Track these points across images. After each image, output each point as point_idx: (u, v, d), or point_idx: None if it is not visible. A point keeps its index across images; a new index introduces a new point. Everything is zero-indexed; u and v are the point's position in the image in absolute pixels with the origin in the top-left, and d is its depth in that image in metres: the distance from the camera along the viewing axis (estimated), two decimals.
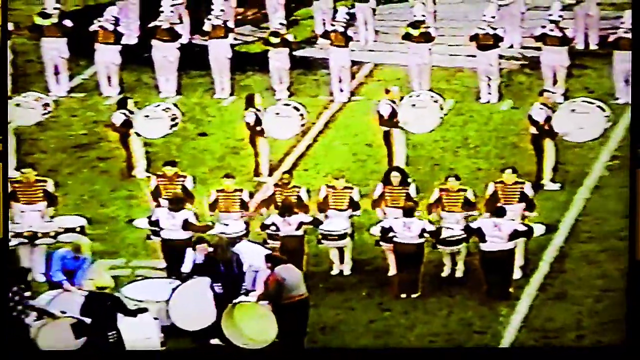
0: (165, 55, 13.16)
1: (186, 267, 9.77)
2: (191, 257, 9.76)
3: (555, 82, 12.97)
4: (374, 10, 14.13)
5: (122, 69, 13.25)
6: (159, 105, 12.06)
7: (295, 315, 9.28)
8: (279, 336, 9.22)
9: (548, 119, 11.51)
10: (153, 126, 11.81)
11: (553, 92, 12.14)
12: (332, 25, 13.17)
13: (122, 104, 12.01)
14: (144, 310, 9.24)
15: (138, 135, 11.86)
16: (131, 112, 11.89)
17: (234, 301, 9.41)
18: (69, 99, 13.22)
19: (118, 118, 11.90)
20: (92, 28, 13.14)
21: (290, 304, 9.27)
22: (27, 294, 9.37)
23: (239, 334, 9.42)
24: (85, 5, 14.21)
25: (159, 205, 10.55)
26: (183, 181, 10.73)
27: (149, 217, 10.51)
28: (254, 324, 9.39)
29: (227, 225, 10.45)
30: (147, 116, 11.83)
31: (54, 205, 10.56)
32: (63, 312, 9.24)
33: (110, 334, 9.02)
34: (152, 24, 13.25)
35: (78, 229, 10.39)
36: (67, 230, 10.28)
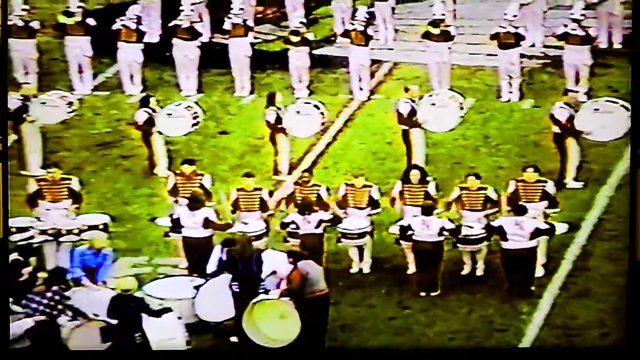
0: (185, 53, 13.21)
1: (211, 266, 9.76)
2: (217, 256, 9.76)
3: (577, 80, 12.84)
4: (393, 9, 14.06)
5: (144, 67, 13.30)
6: (180, 104, 12.13)
7: (316, 311, 9.26)
8: (300, 332, 9.18)
9: (571, 118, 11.40)
10: (175, 124, 11.86)
11: (576, 92, 12.02)
12: (352, 24, 13.15)
13: (144, 102, 12.06)
14: (168, 310, 9.27)
15: (160, 133, 11.92)
16: (154, 111, 11.95)
17: (254, 300, 9.40)
18: (93, 97, 13.30)
19: (141, 116, 11.96)
20: (115, 26, 13.23)
21: (312, 299, 9.26)
22: (67, 293, 9.44)
23: (258, 333, 9.40)
24: (108, 3, 14.28)
25: (177, 203, 10.59)
26: (201, 179, 10.74)
27: (171, 215, 10.55)
28: (274, 323, 9.36)
29: (246, 224, 10.47)
30: (169, 114, 11.89)
31: (78, 203, 10.63)
32: (96, 315, 9.30)
33: (136, 335, 9.05)
34: (172, 23, 13.31)
35: (102, 227, 10.44)
36: (91, 227, 10.33)
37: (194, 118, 11.98)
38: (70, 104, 12.32)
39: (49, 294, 9.34)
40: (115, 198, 11.52)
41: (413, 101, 11.80)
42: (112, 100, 13.28)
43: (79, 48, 13.28)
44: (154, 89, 13.18)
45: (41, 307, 9.32)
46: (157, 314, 9.24)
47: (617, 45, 13.76)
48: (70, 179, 10.65)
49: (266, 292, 9.45)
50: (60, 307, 9.33)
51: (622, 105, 11.42)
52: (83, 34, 13.24)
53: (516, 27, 12.91)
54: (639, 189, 8.95)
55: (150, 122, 11.94)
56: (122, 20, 13.23)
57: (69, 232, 10.33)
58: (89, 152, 12.37)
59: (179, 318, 9.28)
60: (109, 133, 12.67)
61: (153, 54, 13.46)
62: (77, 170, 11.67)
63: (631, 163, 9.04)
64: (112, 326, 9.10)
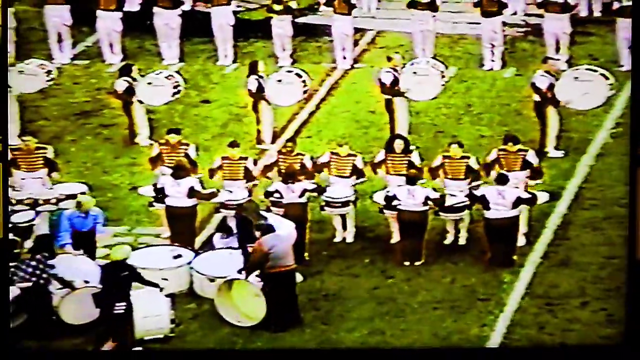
0: (167, 22, 13.06)
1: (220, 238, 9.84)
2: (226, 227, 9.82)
3: (558, 49, 12.89)
4: None
5: (124, 36, 13.15)
6: (161, 73, 12.01)
7: (279, 286, 9.24)
8: (268, 307, 9.22)
9: (551, 87, 11.46)
10: (156, 93, 11.76)
11: (556, 60, 12.07)
12: None
13: (125, 71, 11.93)
14: (158, 286, 9.24)
15: (141, 102, 11.81)
16: (134, 80, 11.83)
17: (228, 278, 9.43)
18: (72, 66, 13.13)
19: (121, 85, 11.84)
20: None
21: (274, 273, 9.25)
22: (51, 262, 9.40)
23: (235, 310, 9.47)
24: None
25: (161, 172, 10.55)
26: (186, 149, 10.70)
27: (154, 185, 10.52)
28: (249, 301, 9.44)
29: (231, 192, 10.48)
30: (149, 83, 11.78)
31: (54, 171, 10.55)
32: (86, 282, 9.28)
33: (119, 304, 9.03)
34: None
35: (79, 194, 10.32)
36: (69, 197, 10.26)
37: (175, 87, 11.88)
38: (49, 72, 12.14)
39: (33, 262, 9.28)
40: (96, 167, 11.43)
41: (395, 70, 11.78)
42: (91, 69, 13.11)
43: (58, 17, 13.08)
44: (134, 57, 13.03)
45: (27, 276, 9.25)
46: (151, 283, 9.20)
47: (597, 14, 13.80)
48: (45, 148, 10.55)
49: (241, 271, 9.44)
50: (45, 275, 9.27)
51: (602, 74, 11.50)
52: (63, 3, 13.03)
53: None
54: (639, 188, 8.90)
55: (130, 91, 11.81)
56: None
57: (46, 201, 10.27)
58: (68, 121, 12.24)
59: (166, 295, 9.22)
60: (88, 102, 12.54)
61: (133, 22, 13.25)
62: (56, 140, 11.57)
63: (631, 163, 9.06)
64: (102, 293, 9.02)
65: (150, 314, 9.17)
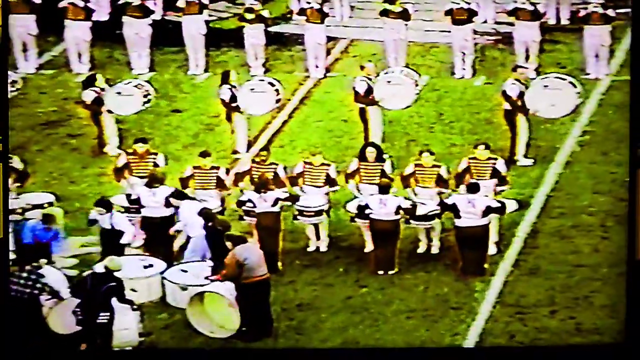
0: (137, 31, 13.04)
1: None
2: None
3: (527, 57, 13.07)
4: None
5: (93, 45, 13.11)
6: (130, 82, 11.98)
7: (255, 296, 9.30)
8: (242, 317, 9.26)
9: (521, 95, 11.61)
10: (125, 103, 11.73)
11: (526, 68, 12.25)
12: (308, 1, 13.07)
13: (90, 81, 11.91)
14: (132, 302, 9.27)
15: (110, 112, 11.79)
16: (102, 89, 11.80)
17: (200, 290, 9.46)
18: (38, 76, 13.06)
19: (89, 95, 11.81)
20: (62, 4, 12.96)
21: (250, 284, 9.29)
22: (41, 271, 9.40)
23: (209, 321, 9.50)
24: None
25: (127, 183, 10.56)
26: (154, 159, 10.71)
27: (128, 195, 10.51)
28: (222, 312, 9.47)
29: (205, 201, 10.47)
30: (118, 93, 11.76)
31: (21, 182, 10.48)
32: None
33: (103, 314, 9.04)
34: (122, 0, 13.08)
35: (46, 206, 10.36)
36: (35, 206, 10.23)
37: (145, 96, 11.86)
38: (14, 83, 12.07)
39: (24, 274, 9.26)
40: (63, 177, 11.38)
41: (369, 79, 11.87)
42: (58, 78, 13.04)
43: (23, 27, 13.01)
44: (103, 67, 13.00)
45: (20, 288, 9.22)
46: (127, 301, 9.22)
47: (564, 22, 14.04)
48: (11, 158, 10.40)
49: (211, 281, 9.46)
50: (38, 285, 9.26)
51: (570, 82, 11.68)
52: (28, 12, 12.95)
53: (469, 3, 13.07)
54: (639, 188, 9.02)
55: (98, 101, 11.78)
56: None
57: (12, 211, 10.11)
58: (33, 131, 12.15)
59: (135, 310, 9.24)
60: (55, 112, 12.46)
61: (102, 32, 13.22)
62: (22, 150, 11.46)
63: (631, 163, 9.18)
64: (88, 302, 9.02)
65: (118, 328, 9.18)
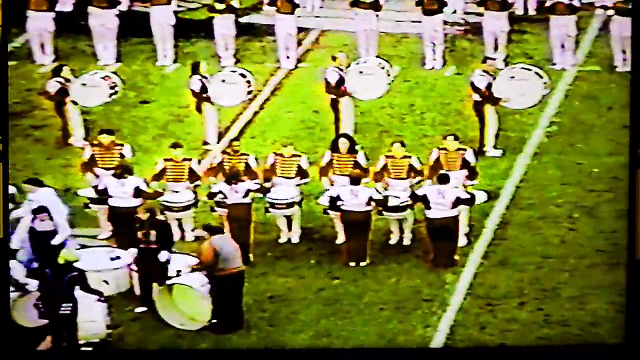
0: (103, 22, 12.87)
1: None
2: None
3: (496, 47, 13.17)
4: None
5: (57, 36, 12.89)
6: (97, 73, 11.82)
7: (229, 288, 9.26)
8: (214, 309, 9.24)
9: (489, 86, 11.68)
10: (90, 94, 11.59)
11: (495, 59, 12.32)
12: None
13: (57, 72, 11.71)
14: (99, 293, 9.20)
15: (75, 103, 11.61)
16: (67, 80, 11.62)
17: (169, 282, 9.42)
18: None
19: (53, 86, 11.62)
20: None
21: (224, 275, 9.26)
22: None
23: (179, 313, 9.45)
24: None
25: (94, 175, 10.44)
26: (120, 149, 10.61)
27: (95, 186, 10.40)
28: (192, 304, 9.43)
29: (177, 192, 10.43)
30: (84, 84, 11.60)
31: None
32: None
33: (65, 305, 8.95)
34: None
35: (9, 197, 10.06)
36: None
37: (112, 88, 11.70)
38: None
39: None
40: (26, 169, 11.18)
41: (341, 69, 11.85)
42: (21, 70, 12.82)
43: None
44: (67, 58, 12.78)
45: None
46: (93, 291, 9.14)
47: (531, 12, 14.15)
48: None
49: (178, 274, 9.42)
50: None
51: (536, 73, 11.78)
52: None
53: None
54: (639, 188, 9.17)
55: (62, 92, 11.61)
56: None
57: None
58: None
59: (102, 301, 9.18)
60: (18, 103, 12.23)
61: (66, 22, 13.00)
62: None
63: (631, 163, 9.29)
64: (49, 293, 8.92)
65: (85, 320, 9.11)
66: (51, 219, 9.81)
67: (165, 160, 10.52)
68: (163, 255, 9.56)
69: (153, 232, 9.48)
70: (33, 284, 9.23)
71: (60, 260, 9.09)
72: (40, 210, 9.86)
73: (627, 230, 9.07)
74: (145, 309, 9.47)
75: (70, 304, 8.95)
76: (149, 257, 9.51)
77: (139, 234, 9.50)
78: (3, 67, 9.53)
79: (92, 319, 9.12)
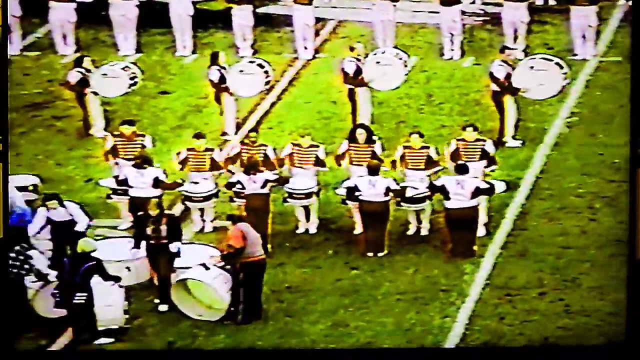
0: (123, 13, 12.92)
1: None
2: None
3: (515, 38, 13.09)
4: None
5: (78, 27, 12.98)
6: (117, 64, 11.88)
7: (252, 276, 9.29)
8: (234, 298, 9.25)
9: (508, 76, 11.62)
10: (111, 85, 11.64)
11: (513, 49, 12.25)
12: None
13: (78, 63, 11.78)
14: (118, 278, 9.25)
15: (95, 94, 11.67)
16: (88, 71, 11.68)
17: (184, 277, 9.43)
18: (22, 57, 12.91)
19: (74, 76, 11.69)
20: None
21: (248, 263, 9.29)
22: (30, 252, 9.36)
23: (194, 304, 9.46)
24: None
25: (117, 165, 10.49)
26: (142, 140, 10.65)
27: (116, 177, 10.44)
28: (206, 296, 9.44)
29: (197, 183, 10.46)
30: (104, 74, 11.65)
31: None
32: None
33: (79, 295, 9.02)
34: None
35: (31, 188, 10.28)
36: (19, 189, 10.09)
37: (132, 78, 11.75)
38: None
39: (12, 254, 9.17)
40: (48, 160, 11.27)
41: (358, 60, 11.82)
42: (43, 60, 12.93)
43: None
44: (88, 49, 12.87)
45: (7, 268, 9.15)
46: (113, 278, 9.20)
47: (552, 2, 14.03)
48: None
49: (205, 266, 9.38)
50: (26, 266, 9.20)
51: (557, 63, 11.68)
52: None
53: None
54: (639, 188, 9.12)
55: (83, 82, 11.68)
56: None
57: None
58: (17, 113, 11.97)
59: (121, 287, 9.24)
60: (39, 94, 12.34)
61: (88, 13, 13.07)
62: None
63: (631, 163, 9.23)
64: (64, 283, 8.97)
65: (102, 305, 9.16)
66: (62, 206, 9.81)
67: (188, 149, 10.55)
68: (174, 246, 9.57)
69: (163, 227, 9.48)
70: (54, 274, 9.30)
71: (78, 250, 9.15)
72: (49, 197, 9.85)
73: (628, 230, 9.00)
74: (167, 307, 9.47)
75: (85, 294, 9.00)
76: (161, 252, 9.50)
77: (149, 230, 9.48)
78: (3, 67, 9.56)
79: (109, 304, 9.17)
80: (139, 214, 9.70)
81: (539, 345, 9.00)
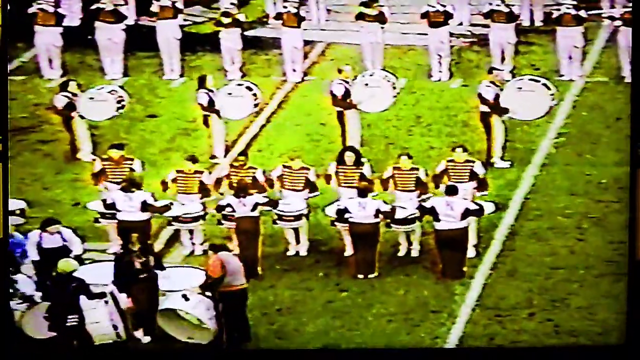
0: (110, 37, 12.95)
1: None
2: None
3: (503, 59, 13.17)
4: None
5: (65, 51, 12.99)
6: (103, 88, 11.91)
7: (233, 305, 9.29)
8: (220, 325, 9.25)
9: (497, 97, 11.69)
10: (97, 108, 11.66)
11: (501, 70, 12.34)
12: (284, 6, 13.05)
13: (64, 87, 11.81)
14: (103, 295, 9.24)
15: (82, 117, 11.69)
16: (74, 95, 11.70)
17: (170, 307, 9.40)
18: (8, 81, 12.95)
19: (60, 100, 11.72)
20: (31, 10, 12.83)
21: (229, 292, 9.29)
22: (16, 277, 9.37)
23: (182, 329, 9.44)
24: None
25: (105, 189, 10.53)
26: (131, 164, 10.68)
27: (104, 200, 10.46)
28: (191, 322, 9.43)
29: (184, 205, 10.48)
30: (91, 98, 11.68)
31: None
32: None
33: (71, 317, 8.99)
34: (94, 6, 12.98)
35: (18, 212, 10.28)
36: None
37: (119, 102, 11.77)
38: None
39: None
40: (35, 183, 11.28)
41: (347, 82, 11.88)
42: (29, 85, 12.92)
43: None
44: (75, 73, 12.87)
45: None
46: (98, 296, 9.19)
47: (538, 23, 14.17)
48: None
49: (185, 297, 9.38)
50: (10, 290, 9.20)
51: (544, 84, 11.77)
52: None
53: (444, 5, 13.11)
54: (639, 188, 9.12)
55: (70, 106, 11.69)
56: (38, 3, 12.80)
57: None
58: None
59: (106, 302, 9.25)
60: (26, 118, 12.33)
61: (74, 37, 13.09)
62: None
63: (631, 163, 9.26)
64: (54, 306, 8.97)
65: (89, 322, 9.12)
66: (60, 232, 9.83)
67: (177, 171, 10.58)
68: (166, 274, 9.48)
69: (151, 258, 9.42)
70: (39, 295, 9.29)
71: (59, 271, 9.11)
72: (50, 222, 9.86)
73: (628, 230, 9.03)
74: (149, 338, 9.44)
75: (77, 315, 8.98)
76: (143, 285, 9.38)
77: (137, 264, 9.37)
78: (3, 67, 9.55)
79: (95, 321, 9.15)
80: (119, 252, 9.57)
81: (538, 347, 8.97)
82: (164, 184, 10.48)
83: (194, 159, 10.66)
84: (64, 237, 9.82)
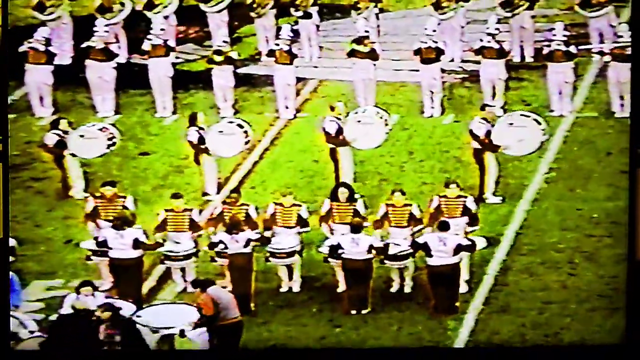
0: (100, 75, 12.96)
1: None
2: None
3: (494, 94, 13.26)
4: (317, 26, 14.02)
5: (56, 89, 13.00)
6: (94, 125, 11.95)
7: (229, 339, 9.29)
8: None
9: (488, 133, 11.77)
10: (88, 146, 11.69)
11: (493, 106, 12.43)
12: (277, 43, 13.16)
13: (54, 125, 11.88)
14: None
15: (74, 155, 11.74)
16: (65, 132, 11.76)
17: (165, 334, 9.35)
18: None
19: (51, 139, 11.76)
20: (22, 49, 12.86)
21: (225, 325, 9.31)
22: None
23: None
24: (14, 25, 13.70)
25: (97, 226, 10.54)
26: (123, 202, 10.73)
27: (96, 238, 10.45)
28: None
29: (178, 242, 10.47)
30: (82, 136, 11.71)
31: None
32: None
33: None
34: (85, 44, 13.03)
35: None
36: None
37: (110, 139, 11.81)
38: None
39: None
40: (27, 221, 11.29)
41: (339, 119, 11.97)
42: (20, 122, 12.90)
43: None
44: (66, 111, 12.87)
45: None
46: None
47: (528, 59, 14.33)
48: None
49: (182, 333, 9.36)
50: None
51: (534, 119, 11.87)
52: None
53: (436, 42, 13.26)
54: (639, 189, 9.11)
55: (61, 144, 11.74)
56: (29, 42, 12.85)
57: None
58: None
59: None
60: (17, 156, 12.32)
61: (65, 75, 13.10)
62: None
63: (631, 163, 9.33)
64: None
65: None
66: (93, 294, 9.65)
67: (166, 210, 10.62)
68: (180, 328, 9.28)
69: (117, 336, 9.09)
70: (32, 325, 9.23)
71: (69, 309, 9.12)
72: (85, 284, 9.74)
73: (628, 230, 9.02)
74: None
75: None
76: None
77: (101, 336, 9.09)
78: (3, 68, 9.57)
79: None
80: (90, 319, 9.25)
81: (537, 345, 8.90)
82: (159, 227, 10.50)
83: (177, 196, 10.70)
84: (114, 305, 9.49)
